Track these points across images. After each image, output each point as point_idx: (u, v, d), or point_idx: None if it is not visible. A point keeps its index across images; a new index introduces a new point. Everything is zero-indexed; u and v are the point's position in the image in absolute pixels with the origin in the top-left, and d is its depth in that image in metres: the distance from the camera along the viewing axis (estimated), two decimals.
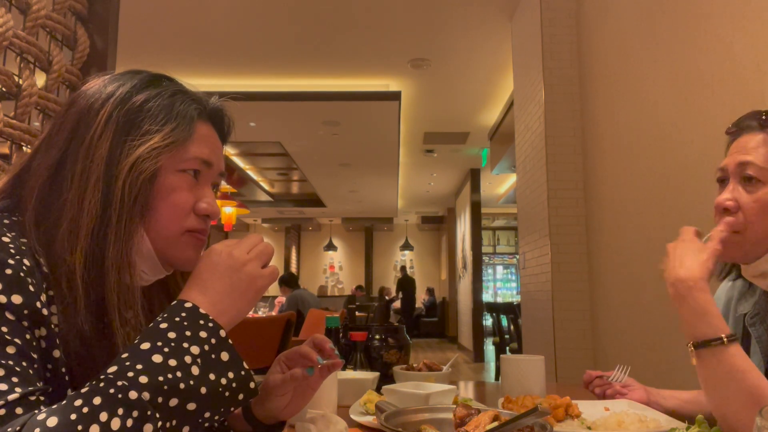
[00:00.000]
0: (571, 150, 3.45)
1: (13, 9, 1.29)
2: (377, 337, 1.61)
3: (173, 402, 0.62)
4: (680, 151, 2.24)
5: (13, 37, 1.26)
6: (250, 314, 4.96)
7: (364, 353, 1.55)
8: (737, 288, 1.12)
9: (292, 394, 0.88)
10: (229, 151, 8.06)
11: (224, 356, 0.68)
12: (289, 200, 12.31)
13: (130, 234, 0.74)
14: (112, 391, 0.59)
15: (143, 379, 0.61)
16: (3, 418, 0.56)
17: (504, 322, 6.04)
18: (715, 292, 1.10)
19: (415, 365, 1.50)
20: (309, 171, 9.36)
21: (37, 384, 0.62)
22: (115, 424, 0.57)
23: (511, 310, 5.89)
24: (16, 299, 0.63)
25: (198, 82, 0.88)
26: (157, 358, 0.63)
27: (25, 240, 0.70)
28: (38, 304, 0.65)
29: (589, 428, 1.02)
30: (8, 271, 0.64)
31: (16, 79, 1.30)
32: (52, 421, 0.55)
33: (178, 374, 0.63)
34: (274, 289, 7.43)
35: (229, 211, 6.86)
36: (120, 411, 0.58)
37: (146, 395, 0.60)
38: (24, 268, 0.65)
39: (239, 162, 8.93)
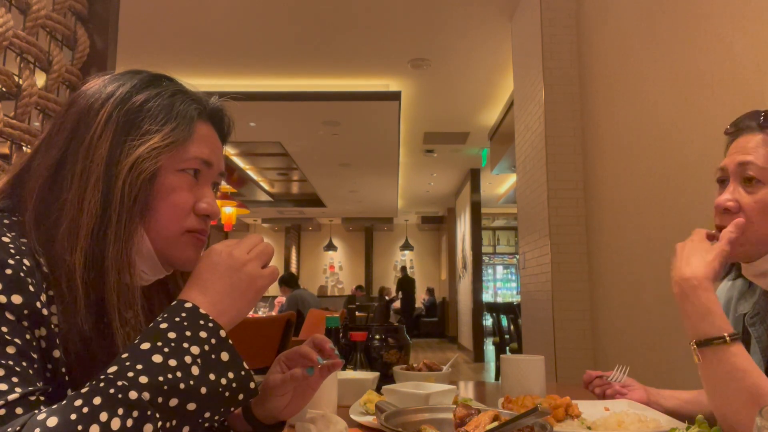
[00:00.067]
0: (571, 150, 3.45)
1: (13, 9, 1.29)
2: (377, 337, 1.61)
3: (173, 402, 0.62)
4: (680, 151, 2.24)
5: (13, 37, 1.26)
6: (250, 314, 4.96)
7: (364, 353, 1.55)
8: (737, 287, 1.12)
9: (292, 394, 0.88)
10: (229, 151, 8.06)
11: (224, 356, 0.68)
12: (289, 200, 12.31)
13: (130, 234, 0.74)
14: (112, 391, 0.59)
15: (143, 379, 0.61)
16: (3, 418, 0.56)
17: (504, 322, 6.04)
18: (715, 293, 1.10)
19: (415, 365, 1.50)
20: (309, 171, 9.36)
21: (37, 384, 0.62)
22: (115, 424, 0.57)
23: (511, 310, 5.89)
24: (16, 299, 0.63)
25: (198, 82, 0.88)
26: (157, 358, 0.63)
27: (25, 240, 0.70)
28: (38, 304, 0.65)
29: (589, 428, 1.02)
30: (8, 271, 0.64)
31: (16, 79, 1.30)
32: (52, 421, 0.55)
33: (178, 374, 0.63)
34: (274, 289, 7.43)
35: (229, 211, 6.87)
36: (120, 411, 0.58)
37: (146, 395, 0.60)
38: (24, 268, 0.65)
39: (239, 162, 8.93)
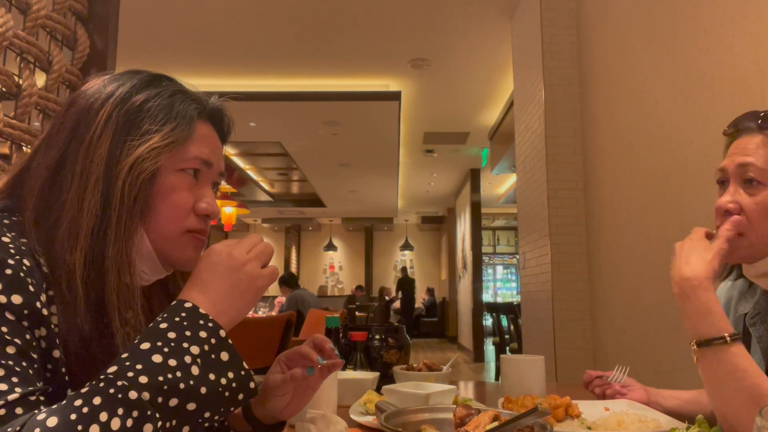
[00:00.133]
0: (571, 150, 3.45)
1: (13, 9, 1.29)
2: (377, 337, 1.61)
3: (173, 402, 0.62)
4: (680, 151, 2.24)
5: (13, 37, 1.26)
6: (250, 314, 4.96)
7: (364, 353, 1.55)
8: (737, 288, 1.12)
9: (292, 394, 0.88)
10: (229, 151, 8.06)
11: (224, 356, 0.68)
12: (289, 200, 12.31)
13: (130, 234, 0.74)
14: (112, 391, 0.59)
15: (143, 379, 0.61)
16: (3, 418, 0.56)
17: (504, 322, 6.04)
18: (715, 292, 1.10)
19: (415, 365, 1.50)
20: (309, 171, 9.36)
21: (37, 384, 0.62)
22: (115, 424, 0.57)
23: (511, 310, 5.89)
24: (16, 299, 0.63)
25: (198, 82, 0.88)
26: (156, 358, 0.63)
27: (25, 240, 0.70)
28: (38, 304, 0.65)
29: (589, 428, 1.02)
30: (8, 271, 0.64)
31: (16, 79, 1.30)
32: (52, 421, 0.55)
33: (178, 374, 0.63)
34: (274, 289, 7.43)
35: (229, 211, 6.87)
36: (120, 411, 0.58)
37: (146, 395, 0.60)
38: (24, 268, 0.65)
39: (239, 162, 8.93)
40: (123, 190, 0.73)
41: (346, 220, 15.24)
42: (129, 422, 0.58)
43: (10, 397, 0.58)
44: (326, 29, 4.67)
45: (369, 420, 1.10)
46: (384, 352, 1.60)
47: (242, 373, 0.69)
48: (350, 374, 1.43)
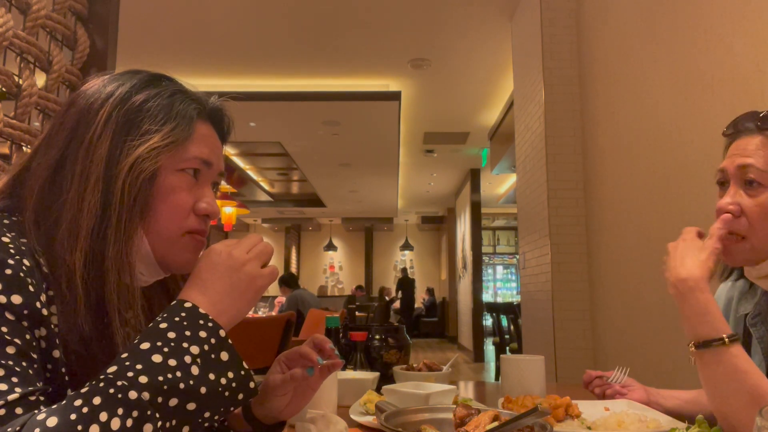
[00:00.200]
0: (571, 150, 3.45)
1: (13, 9, 1.29)
2: (377, 337, 1.61)
3: (173, 402, 0.62)
4: (680, 151, 2.24)
5: (13, 37, 1.26)
6: (250, 314, 4.96)
7: (364, 353, 1.55)
8: (737, 288, 1.12)
9: (292, 394, 0.88)
10: (229, 151, 8.06)
11: (224, 356, 0.68)
12: (289, 200, 12.31)
13: (130, 234, 0.74)
14: (111, 391, 0.59)
15: (143, 379, 0.61)
16: (3, 418, 0.56)
17: (504, 322, 6.04)
18: (715, 292, 1.10)
19: (415, 365, 1.50)
20: (309, 171, 9.36)
21: (37, 384, 0.62)
22: (115, 424, 0.57)
23: (511, 310, 5.89)
24: (16, 299, 0.63)
25: (198, 82, 0.88)
26: (156, 358, 0.63)
27: (25, 240, 0.70)
28: (38, 304, 0.65)
29: (589, 428, 1.02)
30: (8, 271, 0.64)
31: (16, 79, 1.30)
32: (52, 421, 0.55)
33: (178, 374, 0.63)
34: (274, 289, 7.43)
35: (229, 211, 6.86)
36: (120, 411, 0.58)
37: (146, 395, 0.60)
38: (24, 268, 0.65)
39: (239, 162, 8.93)
40: (123, 190, 0.73)
41: (346, 220, 15.24)
42: (129, 422, 0.58)
43: (10, 397, 0.58)
44: (326, 29, 4.67)
45: (369, 420, 1.10)
46: (384, 352, 1.60)
47: (242, 373, 0.69)
48: (350, 374, 1.43)
